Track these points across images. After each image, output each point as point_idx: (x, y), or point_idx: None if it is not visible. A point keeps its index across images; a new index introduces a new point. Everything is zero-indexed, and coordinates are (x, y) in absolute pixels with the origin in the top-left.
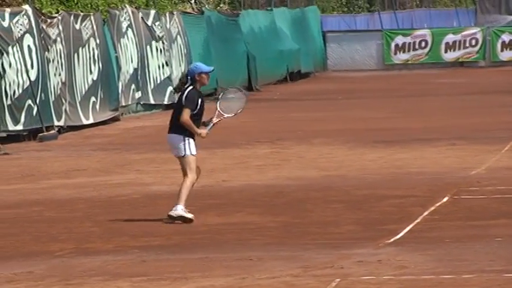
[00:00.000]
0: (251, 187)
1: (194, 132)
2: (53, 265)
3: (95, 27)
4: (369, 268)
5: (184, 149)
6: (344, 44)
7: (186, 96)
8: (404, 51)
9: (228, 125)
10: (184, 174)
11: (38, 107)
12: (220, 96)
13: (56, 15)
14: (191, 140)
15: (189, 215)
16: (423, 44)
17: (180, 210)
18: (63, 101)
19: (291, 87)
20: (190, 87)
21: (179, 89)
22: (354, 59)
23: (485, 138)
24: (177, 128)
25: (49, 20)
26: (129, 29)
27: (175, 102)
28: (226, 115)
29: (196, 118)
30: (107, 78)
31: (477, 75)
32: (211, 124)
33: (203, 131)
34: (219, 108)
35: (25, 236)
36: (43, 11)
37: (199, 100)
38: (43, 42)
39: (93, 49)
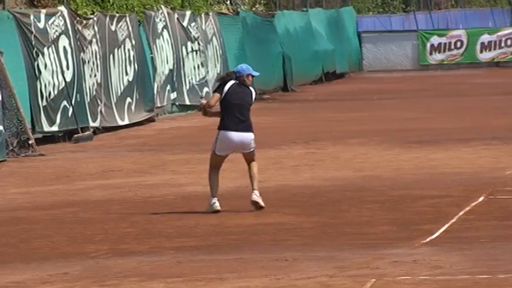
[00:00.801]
0: (286, 188)
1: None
2: (88, 266)
3: (130, 28)
4: (404, 268)
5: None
6: (379, 45)
7: (255, 96)
8: (439, 52)
9: (263, 126)
10: (252, 160)
11: (73, 108)
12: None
13: (92, 16)
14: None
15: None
16: (458, 44)
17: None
18: (99, 102)
19: (326, 87)
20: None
21: (223, 79)
22: (389, 59)
23: None
24: (248, 126)
25: (84, 21)
26: (165, 30)
27: (234, 99)
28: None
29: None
30: (143, 79)
31: None
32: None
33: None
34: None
35: (60, 237)
36: (78, 12)
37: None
38: (78, 43)
39: (128, 50)
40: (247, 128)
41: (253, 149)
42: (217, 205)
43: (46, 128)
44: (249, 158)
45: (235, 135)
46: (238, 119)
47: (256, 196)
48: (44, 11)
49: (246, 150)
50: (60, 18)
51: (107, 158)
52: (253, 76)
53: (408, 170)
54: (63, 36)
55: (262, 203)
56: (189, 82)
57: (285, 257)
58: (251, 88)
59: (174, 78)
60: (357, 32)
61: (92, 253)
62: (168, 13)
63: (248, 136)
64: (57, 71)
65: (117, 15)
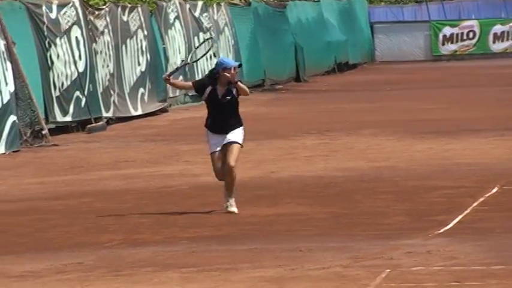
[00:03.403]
0: (300, 178)
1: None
2: (102, 256)
3: (142, 18)
4: (418, 259)
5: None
6: (392, 35)
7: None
8: (452, 42)
9: (276, 116)
10: None
11: (86, 98)
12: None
13: (104, 6)
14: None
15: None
16: (471, 34)
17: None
18: (112, 92)
19: (339, 78)
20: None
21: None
22: (402, 50)
23: None
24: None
25: (96, 12)
26: (177, 21)
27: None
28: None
29: (217, 107)
30: (155, 70)
31: None
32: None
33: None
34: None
35: (75, 227)
36: (90, 3)
37: (210, 91)
38: (91, 33)
39: (140, 40)
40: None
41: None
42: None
43: (59, 118)
44: None
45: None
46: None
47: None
48: (55, 1)
49: None
50: (72, 8)
51: (120, 148)
52: (226, 68)
53: (422, 160)
54: (75, 27)
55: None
56: (202, 72)
57: (299, 247)
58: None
59: (187, 69)
60: (369, 23)
61: (107, 243)
62: (180, 3)
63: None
64: (69, 62)
65: (129, 5)
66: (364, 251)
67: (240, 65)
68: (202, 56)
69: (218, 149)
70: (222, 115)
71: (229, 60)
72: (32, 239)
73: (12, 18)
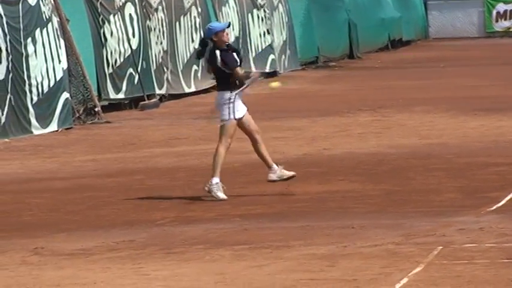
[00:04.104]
0: (352, 155)
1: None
2: (154, 234)
3: None
4: (471, 236)
5: (229, 113)
6: (445, 12)
7: (221, 61)
8: (505, 19)
9: (329, 93)
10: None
11: (139, 75)
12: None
13: None
14: (238, 102)
15: (222, 195)
16: None
17: (213, 184)
18: (165, 69)
19: (393, 55)
20: (217, 51)
21: (200, 53)
22: (455, 26)
23: None
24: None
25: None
26: None
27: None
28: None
29: (223, 73)
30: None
31: None
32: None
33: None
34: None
35: (126, 204)
36: None
37: (233, 53)
38: (144, 10)
39: (194, 17)
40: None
41: (226, 118)
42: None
43: (112, 95)
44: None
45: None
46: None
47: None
48: None
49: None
50: None
51: (173, 125)
52: (220, 31)
53: (474, 137)
54: (129, 4)
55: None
56: (255, 49)
57: (351, 224)
58: (219, 54)
59: (240, 46)
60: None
61: (158, 220)
62: None
63: (218, 94)
64: (123, 39)
65: None
66: (416, 228)
67: (229, 25)
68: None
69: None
70: (227, 78)
71: (218, 23)
72: (84, 217)
73: None
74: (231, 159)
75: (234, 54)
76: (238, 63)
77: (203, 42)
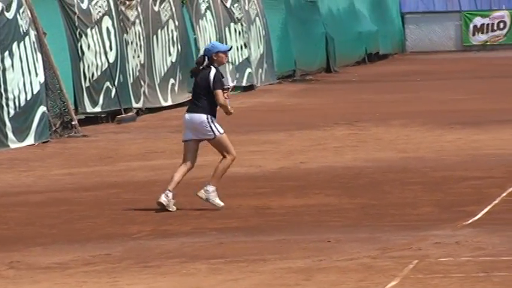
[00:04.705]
0: (329, 169)
1: (228, 111)
2: (130, 247)
3: (173, 9)
4: (446, 250)
5: (213, 131)
6: (422, 25)
7: (213, 79)
8: (482, 33)
9: (306, 107)
10: (223, 154)
11: (116, 89)
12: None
13: None
14: (215, 120)
15: (220, 202)
16: (501, 25)
17: (211, 193)
18: (142, 83)
19: (369, 68)
20: (212, 69)
21: (196, 70)
22: (433, 40)
23: None
24: (200, 108)
25: (128, 2)
26: (208, 11)
27: (195, 84)
28: (231, 84)
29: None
30: (186, 60)
31: None
32: (229, 100)
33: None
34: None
35: (102, 218)
36: None
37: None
38: (122, 24)
39: (171, 31)
40: (198, 110)
41: (213, 136)
42: (163, 198)
43: (89, 109)
44: (219, 150)
45: (186, 115)
46: (192, 101)
47: (202, 192)
48: None
49: (201, 134)
50: None
51: (149, 139)
52: (224, 52)
53: (451, 151)
54: (106, 17)
55: (204, 198)
56: (232, 63)
57: (327, 238)
58: (212, 70)
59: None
60: (400, 13)
61: (135, 234)
62: None
63: (198, 117)
64: (100, 52)
65: None
66: (392, 242)
67: (230, 48)
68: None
69: None
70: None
71: (221, 44)
72: (60, 231)
73: (43, 8)
74: (207, 173)
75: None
76: (224, 88)
77: (201, 59)
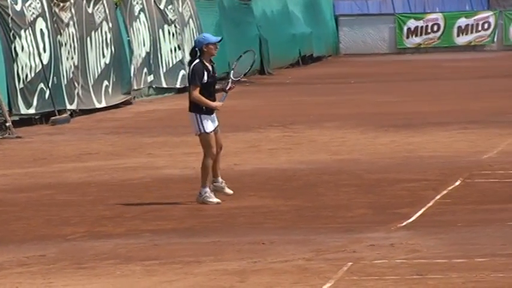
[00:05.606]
0: (263, 171)
1: (208, 106)
2: (64, 248)
3: (107, 10)
4: (381, 252)
5: (198, 127)
6: (356, 28)
7: (190, 73)
8: (416, 35)
9: (240, 109)
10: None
11: (50, 90)
12: (233, 66)
13: None
14: (204, 117)
15: (215, 200)
16: (435, 27)
17: (203, 195)
18: (76, 84)
19: (303, 71)
20: (196, 61)
21: (190, 62)
22: (366, 42)
23: (498, 122)
24: (190, 105)
25: (61, 4)
26: (142, 13)
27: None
28: (235, 79)
29: (208, 88)
30: (119, 62)
31: (489, 59)
32: (225, 94)
33: (218, 103)
34: (232, 77)
35: (37, 219)
36: None
37: (206, 71)
38: (55, 25)
39: (105, 33)
40: (190, 105)
41: (198, 133)
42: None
43: (23, 110)
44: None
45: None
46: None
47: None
48: None
49: (192, 129)
50: (37, 0)
51: (83, 140)
52: (214, 43)
53: (385, 153)
54: (40, 19)
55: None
56: (166, 65)
57: (262, 240)
58: (194, 64)
59: (151, 61)
60: (334, 16)
61: (69, 235)
62: None
63: (189, 112)
64: (34, 54)
65: None
66: (326, 244)
67: (221, 40)
68: (248, 71)
69: (214, 127)
70: (211, 92)
71: (211, 35)
72: None
73: None
74: (142, 174)
75: (206, 72)
76: (199, 83)
77: (193, 52)
